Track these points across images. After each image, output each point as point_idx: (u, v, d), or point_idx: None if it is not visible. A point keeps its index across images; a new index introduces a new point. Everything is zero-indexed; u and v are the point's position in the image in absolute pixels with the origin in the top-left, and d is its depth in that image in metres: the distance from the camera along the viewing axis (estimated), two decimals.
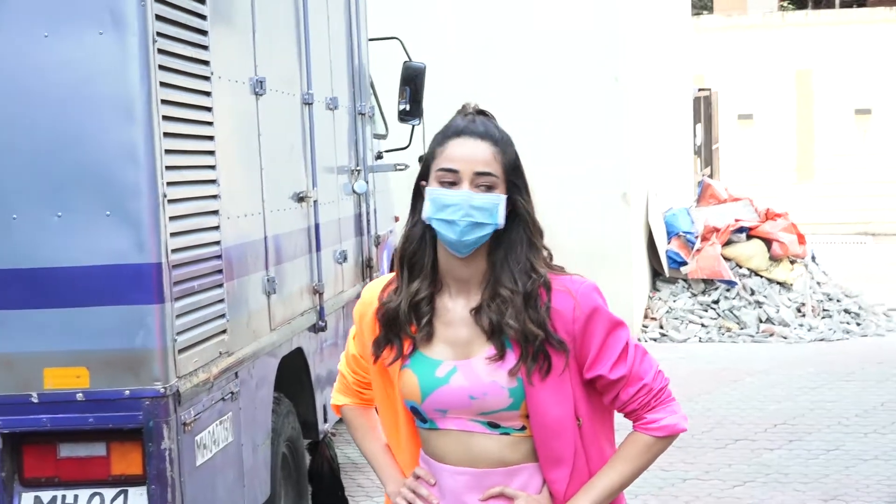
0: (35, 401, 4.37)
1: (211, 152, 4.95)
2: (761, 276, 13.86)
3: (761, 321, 13.33)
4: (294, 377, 6.20)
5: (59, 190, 4.33)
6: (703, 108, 21.12)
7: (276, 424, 5.77)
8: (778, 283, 13.83)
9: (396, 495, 3.15)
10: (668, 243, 14.11)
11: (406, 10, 12.65)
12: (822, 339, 12.99)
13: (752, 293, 13.68)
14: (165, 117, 4.46)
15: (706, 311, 13.53)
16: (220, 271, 4.96)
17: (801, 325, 13.28)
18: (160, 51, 4.45)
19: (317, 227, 6.52)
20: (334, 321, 6.90)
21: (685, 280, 13.92)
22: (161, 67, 4.46)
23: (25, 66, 4.32)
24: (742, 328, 13.23)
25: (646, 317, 13.48)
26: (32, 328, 4.36)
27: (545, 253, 3.05)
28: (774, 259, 14.02)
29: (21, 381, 4.37)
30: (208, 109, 4.94)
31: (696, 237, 14.04)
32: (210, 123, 4.95)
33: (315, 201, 6.48)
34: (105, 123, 4.34)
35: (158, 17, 4.45)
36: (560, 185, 12.51)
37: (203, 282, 4.78)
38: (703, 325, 13.32)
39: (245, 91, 5.51)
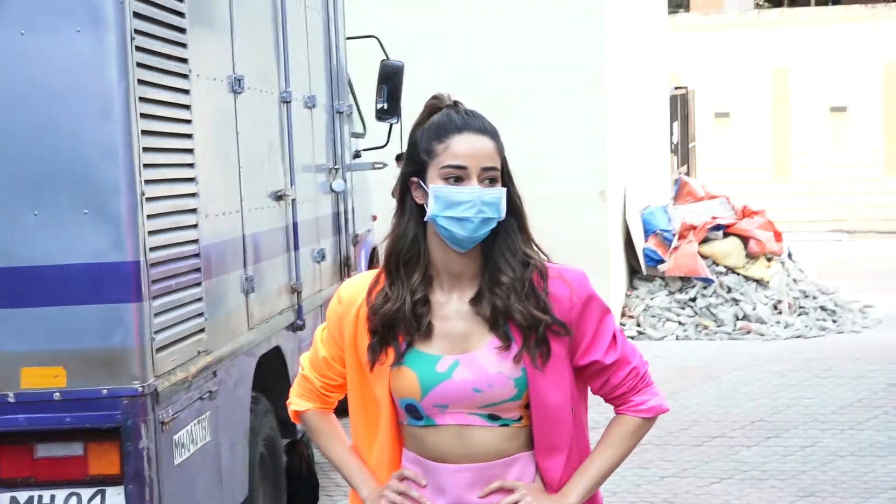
0: (11, 400, 4.34)
1: (189, 150, 4.94)
2: (738, 274, 13.90)
3: (738, 318, 13.36)
4: (272, 376, 6.18)
5: (37, 188, 4.31)
6: (680, 107, 21.16)
7: (254, 424, 5.75)
8: (755, 280, 13.87)
9: (378, 498, 3.08)
10: (646, 241, 14.13)
11: (384, 9, 12.62)
12: (798, 336, 13.04)
13: (729, 291, 13.72)
14: (144, 115, 4.44)
15: (683, 308, 13.56)
16: (198, 269, 4.95)
17: (777, 323, 13.32)
18: (138, 48, 4.44)
19: (295, 225, 6.51)
20: (312, 320, 6.89)
21: (662, 278, 13.94)
22: (139, 65, 4.44)
23: (2, 65, 4.30)
24: (719, 326, 13.27)
25: (623, 314, 13.50)
26: (9, 327, 4.33)
27: (533, 240, 3.07)
28: (751, 256, 14.06)
29: None
30: (187, 107, 4.93)
31: (674, 235, 14.07)
32: (188, 121, 4.94)
33: (293, 200, 6.47)
34: (83, 121, 4.32)
35: (136, 15, 4.43)
36: (538, 183, 12.39)
37: (181, 280, 4.76)
38: (680, 323, 13.34)
39: (223, 89, 5.49)
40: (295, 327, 6.52)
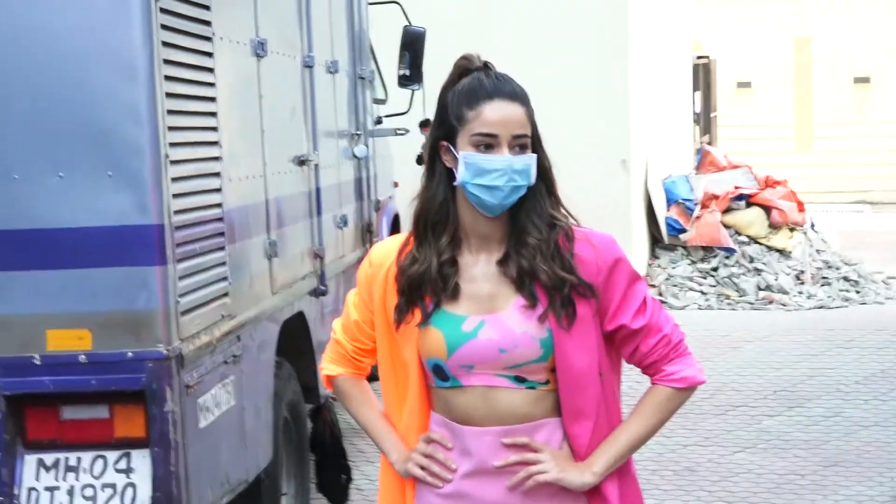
0: (37, 363, 4.33)
1: (213, 114, 4.91)
2: (760, 244, 13.84)
3: (760, 289, 13.31)
4: (295, 341, 6.16)
5: (61, 150, 4.28)
6: (702, 76, 21.06)
7: (278, 388, 5.74)
8: (777, 250, 13.81)
9: (405, 461, 3.08)
10: (668, 210, 14.08)
11: None
12: (821, 307, 12.98)
13: (752, 260, 13.66)
14: (168, 77, 4.41)
15: (705, 278, 13.52)
16: (221, 234, 4.92)
17: (800, 293, 13.26)
18: (162, 10, 4.40)
19: (318, 191, 6.48)
20: (335, 286, 6.87)
21: (684, 247, 13.90)
22: (163, 27, 4.41)
23: (26, 26, 4.27)
24: (741, 296, 13.22)
25: None
26: (34, 290, 4.31)
27: (562, 203, 3.06)
28: (774, 226, 13.99)
29: (23, 342, 4.33)
30: (210, 70, 4.90)
31: (696, 204, 14.02)
32: (212, 84, 4.91)
33: (316, 165, 6.44)
34: (107, 83, 4.29)
35: None
36: (559, 152, 12.18)
37: (205, 244, 4.74)
38: (702, 293, 13.30)
39: (246, 52, 5.46)
40: (318, 293, 6.50)
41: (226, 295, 4.95)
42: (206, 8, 4.87)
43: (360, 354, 3.24)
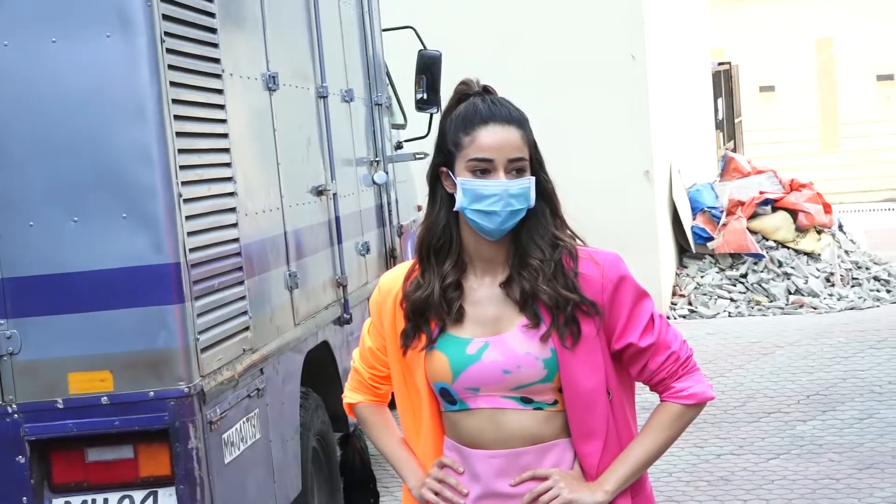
0: (60, 406, 4.37)
1: (226, 150, 4.95)
2: (788, 248, 13.79)
3: (790, 293, 13.27)
4: (321, 371, 6.19)
5: (75, 195, 4.34)
6: (724, 82, 21.02)
7: (305, 419, 5.77)
8: (805, 253, 13.76)
9: (421, 487, 3.11)
10: (694, 219, 14.05)
11: None
12: (852, 308, 12.92)
13: (780, 265, 13.61)
14: (177, 117, 4.46)
15: (734, 285, 13.47)
16: (240, 268, 4.96)
17: (830, 295, 13.21)
18: (169, 50, 4.45)
19: (337, 219, 6.51)
20: (359, 313, 6.89)
21: (712, 255, 13.86)
22: (171, 67, 4.45)
23: (34, 73, 4.33)
24: (771, 301, 13.17)
25: (674, 294, 13.44)
26: (54, 334, 4.36)
27: (567, 224, 3.07)
28: (801, 230, 13.94)
29: (46, 387, 4.38)
30: (221, 107, 4.94)
31: (721, 212, 13.98)
32: (223, 121, 4.95)
33: (334, 194, 6.47)
34: (117, 126, 4.34)
35: (165, 17, 4.45)
36: (582, 165, 12.46)
37: (223, 280, 4.77)
38: (732, 300, 13.26)
39: (258, 87, 5.50)
40: (342, 321, 6.53)
41: (247, 329, 4.98)
42: (215, 46, 4.92)
43: (377, 381, 3.27)
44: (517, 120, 3.00)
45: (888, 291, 13.44)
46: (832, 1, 24.94)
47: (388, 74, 8.42)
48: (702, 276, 13.64)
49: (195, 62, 4.71)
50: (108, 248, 4.34)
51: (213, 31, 4.90)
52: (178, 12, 4.59)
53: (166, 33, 4.43)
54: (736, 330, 12.15)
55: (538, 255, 3.00)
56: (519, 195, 2.96)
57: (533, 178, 2.99)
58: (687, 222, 13.88)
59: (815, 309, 12.92)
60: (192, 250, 4.47)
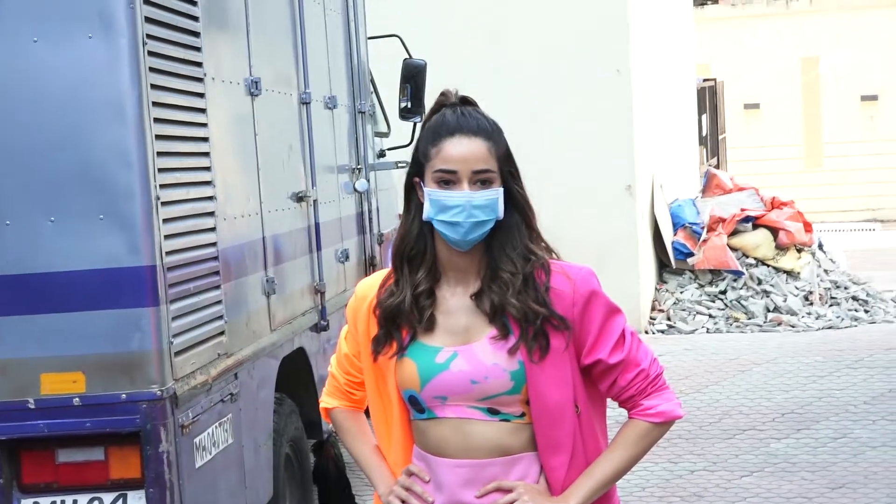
0: (32, 407, 4.36)
1: (206, 154, 4.95)
2: (768, 266, 13.82)
3: (769, 310, 13.29)
4: (297, 377, 6.19)
5: (52, 194, 4.33)
6: (709, 98, 21.08)
7: (279, 425, 5.76)
8: (785, 271, 13.79)
9: (388, 495, 3.12)
10: (675, 235, 14.08)
11: (406, 5, 12.61)
12: (830, 327, 12.94)
13: (760, 283, 13.64)
14: (157, 119, 4.46)
15: (713, 301, 13.50)
16: (216, 273, 4.95)
17: (808, 314, 13.23)
18: (150, 53, 4.45)
19: (317, 226, 6.51)
20: (337, 320, 6.89)
21: (692, 271, 13.88)
22: (152, 70, 4.45)
23: (15, 72, 4.32)
24: (750, 318, 13.20)
25: (653, 309, 13.46)
26: (28, 334, 4.35)
27: (542, 237, 3.07)
28: (781, 248, 13.97)
29: (17, 387, 4.36)
30: (202, 111, 4.93)
31: (702, 228, 14.01)
32: (204, 125, 4.95)
33: (315, 200, 6.47)
34: (97, 127, 4.34)
35: (148, 20, 4.45)
36: (565, 179, 12.49)
37: (199, 283, 4.77)
38: (710, 316, 13.28)
39: (240, 92, 5.50)
40: (319, 328, 6.52)
41: (222, 334, 4.97)
42: (197, 49, 4.92)
43: (352, 387, 3.28)
44: (485, 131, 3.01)
45: (866, 311, 13.49)
46: (819, 21, 25.04)
47: (372, 82, 8.42)
48: (681, 292, 13.66)
49: (177, 65, 4.71)
50: (84, 248, 4.33)
51: (196, 34, 4.90)
52: (161, 15, 4.59)
53: (148, 36, 4.43)
54: (713, 346, 12.17)
55: (509, 267, 3.01)
56: (484, 206, 2.97)
57: (500, 190, 2.99)
58: (668, 237, 13.91)
59: (792, 327, 12.95)
60: (168, 253, 4.47)
